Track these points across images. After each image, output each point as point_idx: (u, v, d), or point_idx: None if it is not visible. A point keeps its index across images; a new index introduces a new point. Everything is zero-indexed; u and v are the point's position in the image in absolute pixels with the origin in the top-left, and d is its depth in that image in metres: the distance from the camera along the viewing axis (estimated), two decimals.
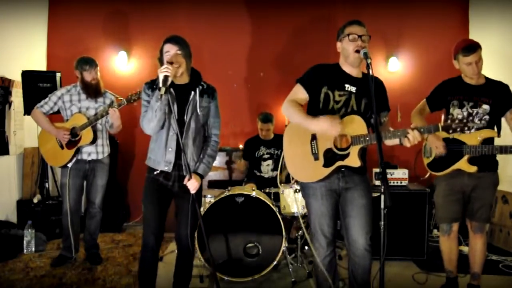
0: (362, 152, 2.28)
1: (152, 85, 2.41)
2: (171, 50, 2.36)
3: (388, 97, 2.40)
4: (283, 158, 4.06)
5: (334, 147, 2.24)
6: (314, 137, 2.29)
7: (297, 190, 3.30)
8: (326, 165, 2.25)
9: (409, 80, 4.77)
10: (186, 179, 2.37)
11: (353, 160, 2.21)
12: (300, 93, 2.36)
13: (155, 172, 2.45)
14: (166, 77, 2.21)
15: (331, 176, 2.28)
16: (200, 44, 4.91)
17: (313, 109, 2.33)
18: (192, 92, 2.43)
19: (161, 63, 2.40)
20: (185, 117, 2.41)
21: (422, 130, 2.12)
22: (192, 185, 2.37)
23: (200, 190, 2.49)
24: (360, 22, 2.28)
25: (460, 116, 2.10)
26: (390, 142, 2.24)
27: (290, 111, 2.32)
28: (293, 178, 2.41)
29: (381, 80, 2.42)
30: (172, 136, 2.40)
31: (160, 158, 2.43)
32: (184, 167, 2.37)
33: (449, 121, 2.10)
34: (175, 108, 2.36)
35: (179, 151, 2.38)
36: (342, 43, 2.30)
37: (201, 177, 2.46)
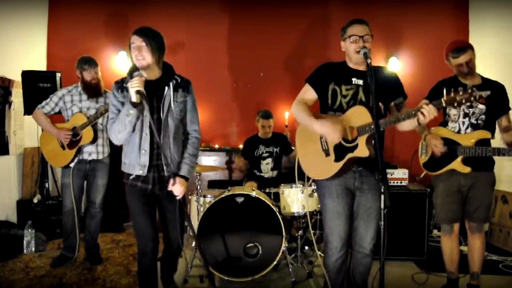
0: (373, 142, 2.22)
1: (122, 84, 2.28)
2: (135, 41, 2.18)
3: (402, 85, 2.38)
4: (279, 156, 4.09)
5: (343, 141, 2.25)
6: None
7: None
8: (337, 159, 2.26)
9: (409, 80, 4.75)
10: (170, 184, 2.25)
11: (362, 151, 2.20)
12: (308, 92, 2.39)
13: (131, 178, 2.32)
14: (138, 92, 2.13)
15: (347, 175, 2.30)
16: (200, 44, 4.92)
17: (323, 106, 2.37)
18: (166, 87, 2.29)
19: (131, 56, 2.25)
20: (161, 115, 2.27)
21: (434, 103, 2.02)
22: (177, 190, 2.27)
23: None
24: (362, 21, 2.28)
25: (468, 86, 2.02)
26: (406, 126, 2.20)
27: (298, 114, 2.36)
28: (309, 179, 2.42)
29: (391, 70, 2.44)
30: (145, 137, 2.26)
31: (135, 161, 2.29)
32: (165, 168, 2.28)
33: (452, 94, 1.96)
34: (146, 109, 2.21)
35: (153, 152, 2.28)
36: (345, 43, 2.31)
37: (186, 179, 2.35)
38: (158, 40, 2.23)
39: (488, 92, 2.01)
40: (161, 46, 2.24)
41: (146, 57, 2.18)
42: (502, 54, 4.21)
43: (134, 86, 2.13)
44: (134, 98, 2.14)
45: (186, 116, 2.40)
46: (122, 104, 2.27)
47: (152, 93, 2.27)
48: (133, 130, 2.26)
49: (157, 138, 2.20)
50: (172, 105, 2.29)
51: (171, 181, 2.25)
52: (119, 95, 2.29)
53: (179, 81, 2.35)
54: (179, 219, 2.42)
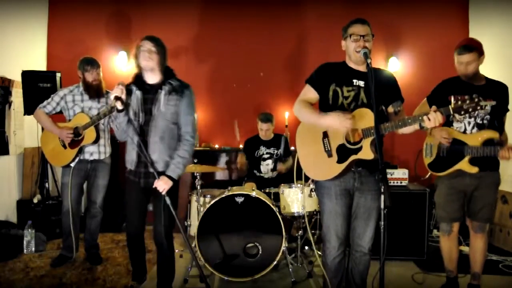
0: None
1: (127, 88, 2.49)
2: (146, 45, 2.48)
3: (400, 88, 2.39)
4: (280, 156, 4.09)
5: (346, 142, 2.24)
6: (325, 135, 2.30)
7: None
8: (340, 161, 2.25)
9: (409, 80, 4.77)
10: (156, 182, 2.47)
11: (366, 153, 2.19)
12: (310, 93, 2.38)
13: (127, 170, 2.65)
14: (116, 98, 2.37)
15: (346, 175, 2.29)
16: (200, 43, 4.92)
17: (324, 107, 2.35)
18: (160, 91, 2.51)
19: (136, 58, 2.52)
20: (151, 116, 2.50)
21: (442, 111, 2.05)
22: (160, 187, 2.46)
23: (175, 189, 2.55)
24: (363, 21, 2.28)
25: (474, 96, 2.03)
26: (407, 129, 2.21)
27: (301, 112, 2.34)
28: (308, 178, 2.41)
29: (390, 72, 2.46)
30: (134, 136, 2.49)
31: (129, 157, 2.60)
32: (149, 165, 2.47)
33: (459, 102, 2.01)
34: (138, 110, 2.49)
35: (141, 150, 2.48)
36: (346, 42, 2.31)
37: (171, 178, 2.49)
38: (164, 47, 2.53)
39: (494, 102, 2.07)
40: (165, 54, 2.53)
41: (154, 59, 2.47)
42: (502, 54, 4.21)
43: (113, 93, 2.39)
44: (114, 104, 2.40)
45: (180, 119, 2.56)
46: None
47: (148, 96, 2.52)
48: (127, 129, 2.51)
49: (136, 137, 2.47)
50: (162, 108, 2.48)
51: (157, 179, 2.47)
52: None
53: (173, 85, 2.53)
54: (164, 214, 2.56)
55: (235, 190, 3.29)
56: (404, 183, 3.78)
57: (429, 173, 2.94)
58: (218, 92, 4.92)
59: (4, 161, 4.13)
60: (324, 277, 2.48)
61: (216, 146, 4.86)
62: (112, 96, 2.38)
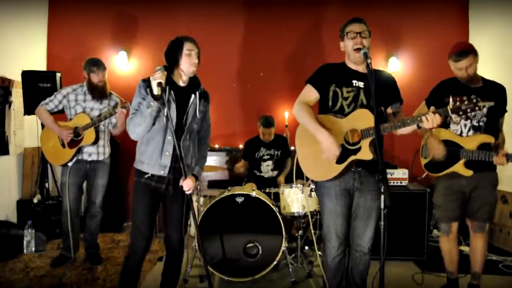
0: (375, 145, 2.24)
1: (149, 83, 2.31)
2: (194, 49, 2.40)
3: (399, 89, 2.40)
4: (280, 158, 4.08)
5: (345, 143, 2.25)
6: None
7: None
8: (339, 161, 2.25)
9: (409, 80, 4.77)
10: (181, 180, 2.37)
11: (365, 154, 2.19)
12: (310, 93, 2.38)
13: (146, 176, 2.41)
14: (160, 84, 2.22)
15: (346, 176, 2.29)
16: (199, 43, 4.91)
17: (323, 107, 2.36)
18: (193, 95, 2.45)
19: (172, 59, 2.38)
20: (185, 120, 2.43)
21: (440, 112, 2.06)
22: (187, 185, 2.38)
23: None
24: (359, 19, 2.29)
25: (472, 96, 2.03)
26: (405, 130, 2.22)
27: (299, 114, 2.35)
28: (308, 179, 2.41)
29: (389, 73, 2.47)
30: (169, 139, 2.36)
31: (155, 161, 2.39)
32: (183, 169, 2.33)
33: (457, 103, 2.02)
34: (173, 111, 2.36)
35: (174, 154, 2.36)
36: (344, 41, 2.32)
37: (196, 178, 2.51)
38: None
39: (492, 103, 2.06)
40: None
41: (197, 64, 2.41)
42: (502, 55, 4.21)
43: (157, 78, 2.22)
44: (156, 90, 2.23)
45: (203, 123, 2.57)
46: None
47: (179, 98, 2.40)
48: (153, 125, 2.33)
49: (175, 141, 2.31)
50: (197, 112, 2.46)
51: (183, 177, 2.36)
52: (145, 93, 2.33)
53: (202, 91, 2.52)
54: (184, 220, 2.50)
55: (235, 190, 3.29)
56: (404, 183, 3.78)
57: (425, 173, 2.95)
58: (217, 92, 4.87)
59: (4, 161, 4.13)
60: (324, 276, 2.48)
61: (216, 146, 4.86)
62: (155, 82, 2.21)
